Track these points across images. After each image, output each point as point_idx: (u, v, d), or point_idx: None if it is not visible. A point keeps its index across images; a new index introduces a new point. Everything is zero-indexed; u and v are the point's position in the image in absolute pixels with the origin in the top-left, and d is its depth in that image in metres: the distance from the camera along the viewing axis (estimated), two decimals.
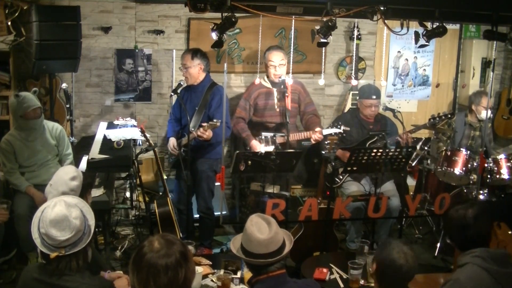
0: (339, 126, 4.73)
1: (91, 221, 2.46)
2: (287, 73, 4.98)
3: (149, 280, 1.92)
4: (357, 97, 5.37)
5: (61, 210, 2.33)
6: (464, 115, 5.59)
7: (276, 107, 5.07)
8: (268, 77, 5.08)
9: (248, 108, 5.14)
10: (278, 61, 4.95)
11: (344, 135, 4.84)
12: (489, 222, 2.73)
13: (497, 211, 4.65)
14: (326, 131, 4.78)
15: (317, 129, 4.86)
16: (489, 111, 5.27)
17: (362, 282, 3.38)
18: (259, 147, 4.85)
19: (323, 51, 5.36)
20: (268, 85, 5.09)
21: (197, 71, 4.71)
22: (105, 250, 4.66)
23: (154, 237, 2.04)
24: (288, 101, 4.97)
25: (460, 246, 2.69)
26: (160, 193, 4.89)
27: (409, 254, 2.45)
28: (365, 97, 5.10)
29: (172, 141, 4.78)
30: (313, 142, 4.91)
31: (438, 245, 5.10)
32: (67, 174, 3.04)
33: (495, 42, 4.69)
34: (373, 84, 5.44)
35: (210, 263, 3.52)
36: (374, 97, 5.04)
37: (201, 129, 4.48)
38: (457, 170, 5.01)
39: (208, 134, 4.50)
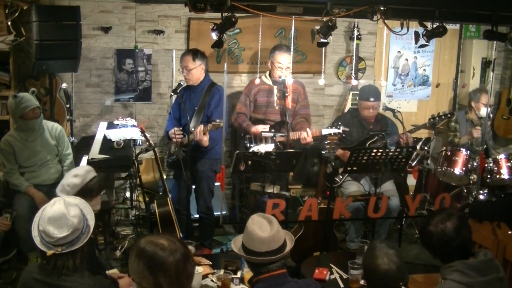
0: (338, 127, 4.73)
1: (91, 222, 2.45)
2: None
3: (180, 274, 2.02)
4: (357, 97, 5.37)
5: (59, 208, 2.34)
6: (464, 112, 5.62)
7: (275, 105, 5.07)
8: (270, 75, 5.08)
9: (248, 104, 5.13)
10: (286, 64, 4.92)
11: (344, 135, 4.84)
12: (469, 230, 2.62)
13: (497, 211, 4.65)
14: (325, 131, 4.78)
15: (313, 130, 4.84)
16: (489, 109, 5.28)
17: (362, 282, 3.37)
18: (261, 129, 4.84)
19: (323, 51, 5.35)
20: (269, 82, 5.08)
21: (199, 72, 4.71)
22: (105, 250, 4.66)
23: (150, 239, 2.08)
24: (289, 100, 4.97)
25: (444, 260, 2.60)
26: (160, 193, 4.89)
27: (393, 258, 2.41)
28: (363, 98, 5.11)
29: (172, 130, 4.72)
30: (302, 142, 4.87)
31: None
32: (75, 170, 3.14)
33: (495, 42, 4.69)
34: (373, 85, 5.43)
35: (210, 263, 3.52)
36: (372, 99, 5.04)
37: (198, 129, 4.46)
38: (457, 170, 5.02)
39: (206, 139, 4.47)
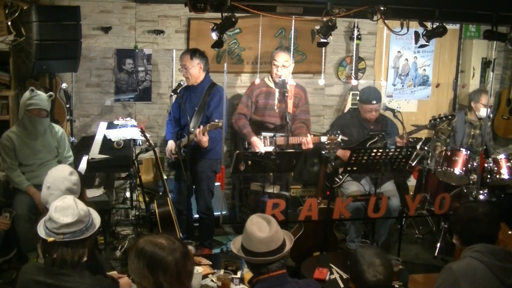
0: (337, 134, 4.72)
1: (97, 223, 2.51)
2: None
3: (180, 272, 2.04)
4: (357, 98, 5.37)
5: (68, 200, 2.43)
6: (463, 114, 5.61)
7: (275, 107, 5.06)
8: (272, 76, 5.09)
9: (250, 105, 5.13)
10: (281, 62, 4.94)
11: (342, 144, 4.81)
12: (497, 224, 2.78)
13: (497, 211, 4.64)
14: (324, 139, 4.77)
15: (312, 136, 4.84)
16: (489, 109, 5.28)
17: None
18: (259, 144, 4.84)
19: (323, 51, 5.35)
20: (271, 84, 5.09)
21: (197, 71, 4.71)
22: (105, 250, 4.66)
23: (149, 238, 2.09)
24: (290, 103, 4.97)
25: (466, 241, 2.72)
26: (160, 193, 4.89)
27: (380, 268, 2.36)
28: (364, 101, 5.10)
29: (171, 144, 4.77)
30: (303, 147, 4.86)
31: (438, 245, 5.10)
32: (63, 171, 3.06)
33: (495, 42, 4.69)
34: (373, 87, 5.40)
35: (210, 263, 3.52)
36: (374, 102, 5.04)
37: (198, 130, 4.47)
38: (457, 170, 5.02)
39: (205, 139, 4.48)
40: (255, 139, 4.89)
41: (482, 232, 2.69)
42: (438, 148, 5.40)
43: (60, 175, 3.02)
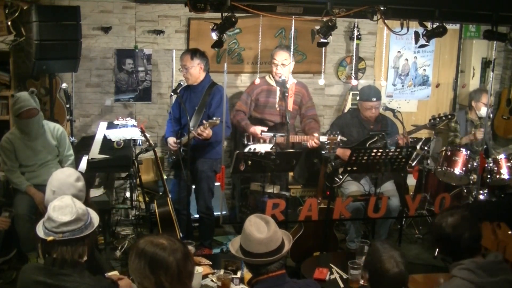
0: (337, 135, 4.72)
1: (95, 222, 2.51)
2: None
3: (181, 272, 2.05)
4: (357, 98, 5.37)
5: (66, 200, 2.45)
6: (464, 113, 5.62)
7: (276, 106, 5.07)
8: (272, 75, 5.10)
9: (249, 103, 5.15)
10: (280, 60, 4.96)
11: (341, 144, 4.82)
12: (473, 227, 2.58)
13: (497, 211, 4.65)
14: (323, 139, 4.78)
15: (315, 135, 4.87)
16: (489, 109, 5.29)
17: (362, 282, 3.37)
18: (259, 130, 4.88)
19: (323, 51, 5.35)
20: (272, 83, 5.10)
21: (197, 71, 4.72)
22: (105, 250, 4.67)
23: (150, 239, 2.10)
24: (290, 102, 4.98)
25: (451, 256, 2.60)
26: (160, 193, 4.90)
27: (400, 260, 2.37)
28: (365, 99, 5.09)
29: (171, 138, 4.78)
30: (309, 147, 4.90)
31: None
32: (70, 177, 2.99)
33: (495, 42, 4.69)
34: (373, 85, 5.42)
35: (210, 263, 3.52)
36: (374, 99, 5.04)
37: (201, 127, 4.48)
38: (457, 170, 5.02)
39: (208, 132, 4.50)
40: (254, 128, 4.92)
41: (457, 246, 2.54)
42: (456, 141, 5.46)
43: (66, 181, 2.97)
